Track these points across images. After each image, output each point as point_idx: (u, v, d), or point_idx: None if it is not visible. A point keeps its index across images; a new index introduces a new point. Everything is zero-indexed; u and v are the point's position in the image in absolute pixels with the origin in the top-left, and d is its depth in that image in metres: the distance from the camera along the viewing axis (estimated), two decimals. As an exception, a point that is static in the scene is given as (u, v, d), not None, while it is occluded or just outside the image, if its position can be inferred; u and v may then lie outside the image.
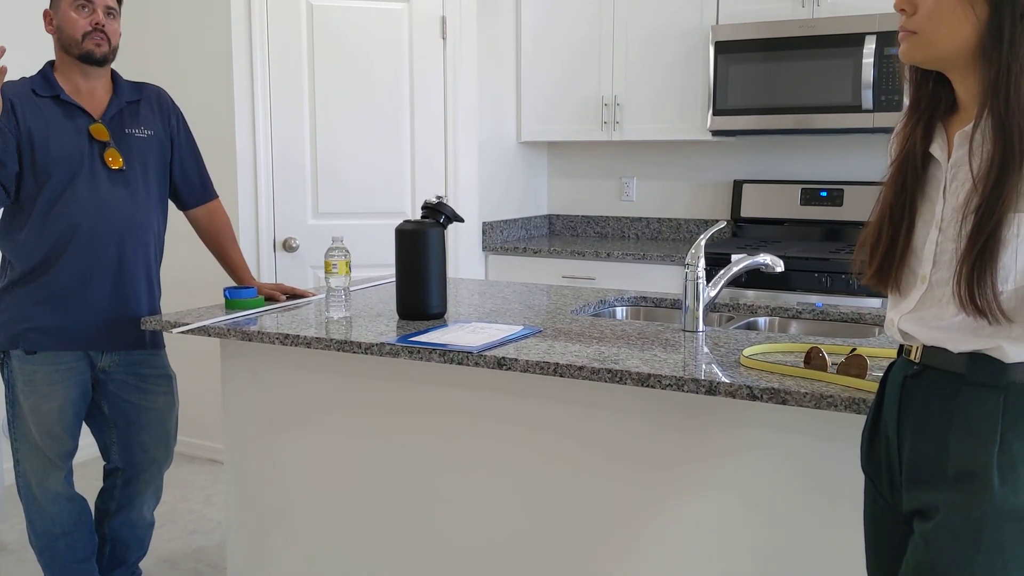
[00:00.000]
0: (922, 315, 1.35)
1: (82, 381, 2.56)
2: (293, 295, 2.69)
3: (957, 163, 1.31)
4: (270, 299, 2.63)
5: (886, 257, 1.40)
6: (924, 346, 1.35)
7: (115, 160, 2.49)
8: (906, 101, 1.44)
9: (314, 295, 2.70)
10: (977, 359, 1.28)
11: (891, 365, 1.44)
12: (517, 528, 2.21)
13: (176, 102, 2.74)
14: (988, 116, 1.25)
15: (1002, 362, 1.26)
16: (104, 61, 2.49)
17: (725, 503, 1.95)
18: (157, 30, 4.06)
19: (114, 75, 2.60)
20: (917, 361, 1.36)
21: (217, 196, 2.82)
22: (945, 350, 1.31)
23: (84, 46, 2.44)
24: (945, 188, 1.33)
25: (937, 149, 1.36)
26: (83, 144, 2.46)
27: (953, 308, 1.29)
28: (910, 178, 1.38)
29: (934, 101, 1.37)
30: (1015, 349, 1.26)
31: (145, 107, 2.61)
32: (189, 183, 2.73)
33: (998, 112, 1.24)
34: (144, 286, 2.58)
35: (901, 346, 1.41)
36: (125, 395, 2.63)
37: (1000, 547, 1.24)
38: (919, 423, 1.35)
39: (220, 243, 2.79)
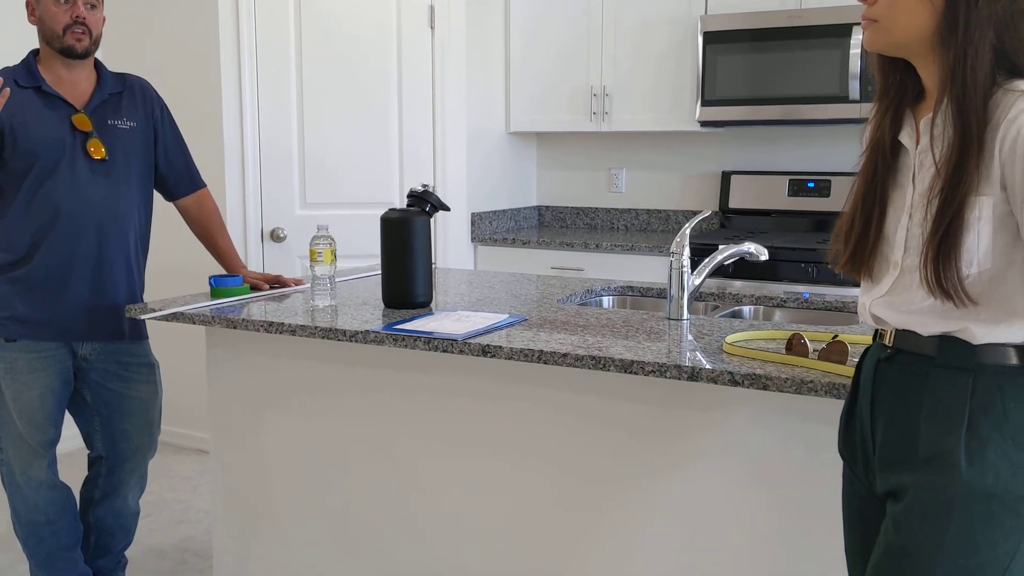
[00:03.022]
0: (892, 299, 1.37)
1: (64, 369, 2.55)
2: (280, 284, 2.68)
3: (924, 149, 1.33)
4: (255, 288, 2.63)
5: (859, 244, 1.41)
6: (896, 330, 1.36)
7: (97, 150, 2.48)
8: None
9: (301, 283, 2.70)
10: (946, 342, 1.30)
11: (867, 350, 1.46)
12: (502, 514, 2.22)
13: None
14: (948, 101, 1.27)
15: (971, 344, 1.28)
16: (86, 54, 2.48)
17: (707, 488, 1.96)
18: (144, 18, 4.05)
19: (98, 65, 2.59)
20: (890, 345, 1.38)
21: (205, 185, 2.81)
22: (916, 333, 1.33)
23: (65, 40, 2.44)
24: (914, 175, 1.34)
25: (906, 136, 1.37)
26: (65, 133, 2.45)
27: (922, 292, 1.30)
28: (880, 166, 1.39)
29: (901, 89, 1.39)
30: (982, 331, 1.27)
31: (128, 98, 2.61)
32: (175, 173, 2.73)
33: (956, 97, 1.25)
34: (124, 277, 2.58)
35: (876, 331, 1.42)
36: (107, 383, 2.63)
37: (969, 528, 1.25)
38: (891, 406, 1.36)
39: (209, 232, 2.79)
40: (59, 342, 2.52)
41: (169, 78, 3.95)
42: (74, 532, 2.66)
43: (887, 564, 1.31)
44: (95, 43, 2.50)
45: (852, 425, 1.45)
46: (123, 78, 2.64)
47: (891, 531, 1.32)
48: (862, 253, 1.41)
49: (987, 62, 1.24)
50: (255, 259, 3.97)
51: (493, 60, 4.42)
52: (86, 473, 2.76)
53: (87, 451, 2.75)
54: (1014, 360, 1.26)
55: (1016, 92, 1.23)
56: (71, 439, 2.83)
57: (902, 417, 1.33)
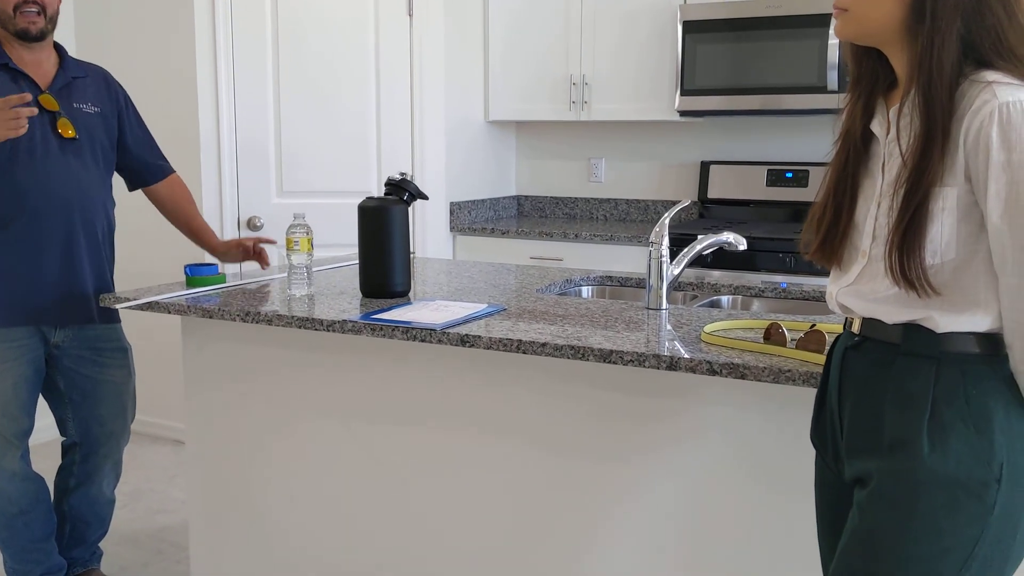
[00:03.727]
0: (859, 288, 1.38)
1: (35, 358, 2.53)
2: (257, 246, 2.71)
3: (893, 139, 1.33)
4: (240, 249, 2.70)
5: (829, 232, 1.42)
6: (863, 318, 1.37)
7: (67, 129, 2.46)
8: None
9: (274, 242, 2.75)
10: (911, 330, 1.31)
11: (837, 338, 1.47)
12: (480, 504, 2.21)
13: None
14: (915, 91, 1.27)
15: (934, 332, 1.29)
16: (42, 36, 2.45)
17: (686, 476, 1.96)
18: (119, 7, 4.00)
19: (60, 49, 2.57)
20: (857, 333, 1.39)
21: (174, 171, 2.81)
22: (881, 322, 1.34)
23: (17, 23, 2.41)
24: (884, 164, 1.35)
25: (877, 126, 1.38)
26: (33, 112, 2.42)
27: (887, 281, 1.31)
28: (852, 155, 1.40)
29: (873, 77, 1.40)
30: (945, 319, 1.28)
31: (91, 85, 2.59)
32: (146, 161, 2.72)
33: (923, 87, 1.26)
34: (94, 260, 2.55)
35: (846, 319, 1.43)
36: (80, 369, 2.60)
37: (932, 513, 1.26)
38: (858, 393, 1.37)
39: (184, 211, 2.79)
40: (31, 327, 2.49)
41: (145, 66, 3.91)
42: (48, 523, 2.63)
43: (853, 550, 1.32)
44: (51, 22, 2.47)
45: (822, 413, 1.47)
46: (85, 66, 2.63)
47: (857, 517, 1.33)
48: (832, 241, 1.42)
49: (954, 52, 1.25)
50: (232, 248, 3.94)
51: (472, 48, 4.40)
52: (60, 463, 2.74)
53: (61, 440, 2.73)
54: (976, 348, 1.28)
55: (982, 83, 1.24)
56: (45, 430, 2.80)
57: (867, 404, 1.35)
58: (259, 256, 2.76)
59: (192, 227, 2.81)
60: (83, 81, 2.57)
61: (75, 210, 2.49)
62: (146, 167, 2.72)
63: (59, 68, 2.53)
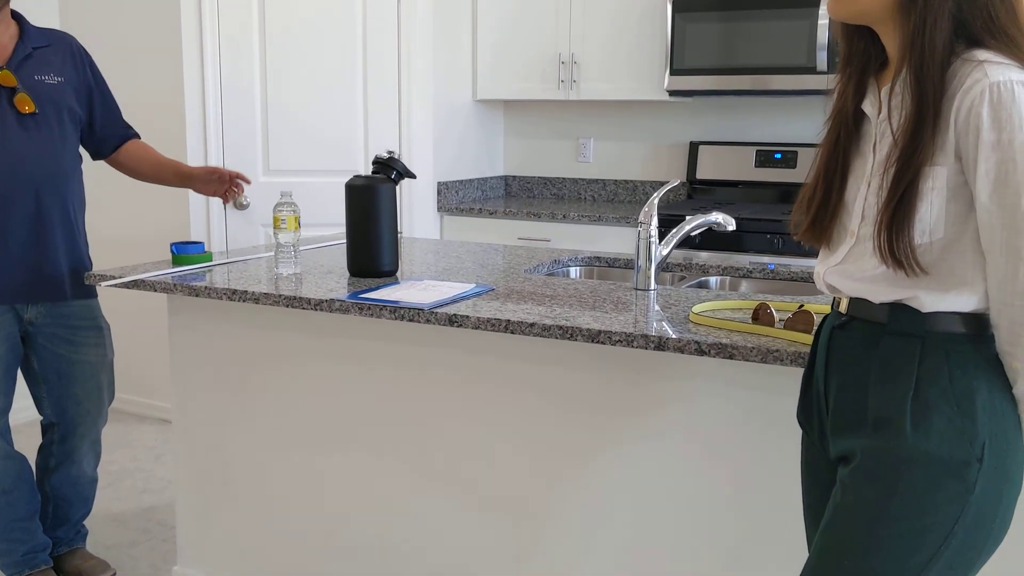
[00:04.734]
0: (846, 268, 1.38)
1: (10, 335, 2.50)
2: (235, 180, 2.71)
3: (885, 118, 1.33)
4: (215, 175, 2.68)
5: (819, 212, 1.43)
6: (850, 298, 1.38)
7: (26, 104, 2.41)
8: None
9: (249, 182, 2.75)
10: (897, 309, 1.31)
11: (824, 318, 1.47)
12: (467, 484, 2.21)
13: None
14: (906, 70, 1.27)
15: (920, 312, 1.30)
16: None
17: (673, 457, 1.97)
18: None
19: (20, 19, 2.51)
20: (844, 313, 1.39)
21: (138, 135, 2.80)
22: (868, 301, 1.35)
23: None
24: (875, 144, 1.35)
25: (868, 105, 1.38)
26: None
27: (875, 260, 1.31)
28: (843, 134, 1.40)
29: (865, 57, 1.39)
30: (931, 299, 1.29)
31: (54, 54, 2.53)
32: (112, 127, 2.70)
33: (914, 66, 1.26)
34: (65, 235, 2.53)
35: (834, 299, 1.43)
36: (55, 348, 2.58)
37: (913, 491, 1.27)
38: (843, 372, 1.38)
39: (153, 159, 2.76)
40: (5, 306, 2.47)
41: (130, 42, 3.87)
42: (32, 502, 2.62)
43: (836, 526, 1.33)
44: None
45: (809, 392, 1.48)
46: (48, 33, 2.57)
47: (840, 494, 1.34)
48: (822, 222, 1.42)
49: (946, 31, 1.25)
50: (217, 226, 3.91)
51: (460, 26, 4.37)
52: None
53: (40, 420, 2.71)
54: (961, 328, 1.28)
55: (973, 62, 1.23)
56: (27, 410, 2.78)
57: (853, 383, 1.36)
58: (232, 187, 2.73)
59: (166, 168, 2.76)
60: (45, 51, 2.50)
61: (42, 186, 2.45)
62: (111, 134, 2.70)
63: (18, 40, 2.46)
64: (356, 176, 2.38)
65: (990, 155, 1.21)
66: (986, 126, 1.21)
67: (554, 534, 2.12)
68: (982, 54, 1.24)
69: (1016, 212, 1.21)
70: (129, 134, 2.76)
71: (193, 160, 3.82)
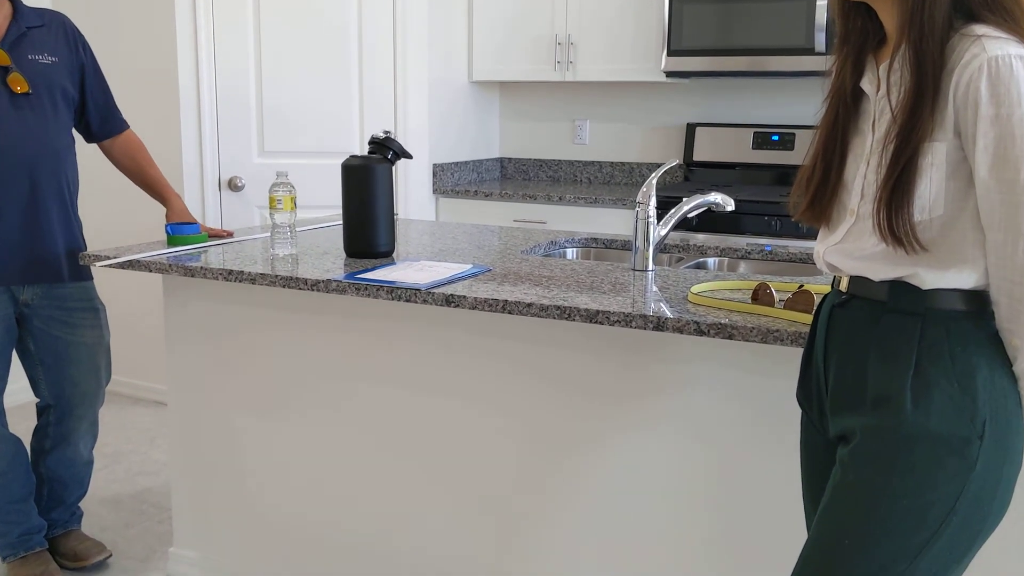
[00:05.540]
0: (846, 246, 1.38)
1: (5, 317, 2.49)
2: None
3: (884, 95, 1.32)
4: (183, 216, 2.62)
5: (818, 192, 1.42)
6: (850, 276, 1.37)
7: (18, 84, 2.38)
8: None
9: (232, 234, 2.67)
10: (897, 287, 1.31)
11: (824, 297, 1.47)
12: (464, 465, 2.21)
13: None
14: (905, 46, 1.26)
15: (920, 289, 1.29)
16: None
17: (672, 437, 1.96)
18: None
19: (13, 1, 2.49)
20: (844, 291, 1.39)
21: (129, 126, 2.76)
22: (868, 279, 1.34)
23: None
24: (874, 121, 1.34)
25: (867, 83, 1.37)
26: None
27: (875, 239, 1.31)
28: (842, 113, 1.39)
29: (863, 34, 1.38)
30: (931, 276, 1.28)
31: (48, 34, 2.51)
32: (101, 113, 2.67)
33: (914, 41, 1.25)
34: (60, 216, 2.51)
35: (834, 278, 1.43)
36: (51, 330, 2.56)
37: (912, 469, 1.26)
38: (843, 350, 1.37)
39: (139, 163, 2.73)
40: (0, 287, 2.45)
41: (124, 22, 3.83)
42: (26, 484, 2.61)
43: (835, 505, 1.33)
44: None
45: (808, 371, 1.47)
46: (42, 13, 2.54)
47: (839, 473, 1.34)
48: (821, 201, 1.42)
49: (945, 6, 1.24)
50: (212, 208, 3.89)
51: (456, 7, 4.33)
52: (35, 424, 2.71)
53: (36, 402, 2.70)
54: (961, 305, 1.28)
55: (971, 37, 1.23)
56: (21, 392, 2.76)
57: (852, 361, 1.35)
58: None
59: (148, 179, 2.73)
60: (39, 31, 2.48)
61: (39, 166, 2.44)
62: (100, 119, 2.66)
63: (12, 20, 2.44)
64: (352, 156, 2.36)
65: (989, 130, 1.21)
66: (984, 101, 1.20)
67: (550, 513, 2.12)
68: (980, 28, 1.23)
69: (1015, 187, 1.20)
70: (121, 123, 2.72)
71: (187, 143, 3.80)
